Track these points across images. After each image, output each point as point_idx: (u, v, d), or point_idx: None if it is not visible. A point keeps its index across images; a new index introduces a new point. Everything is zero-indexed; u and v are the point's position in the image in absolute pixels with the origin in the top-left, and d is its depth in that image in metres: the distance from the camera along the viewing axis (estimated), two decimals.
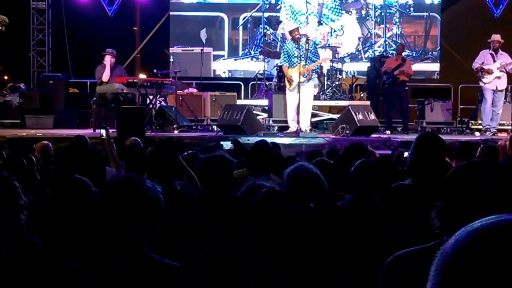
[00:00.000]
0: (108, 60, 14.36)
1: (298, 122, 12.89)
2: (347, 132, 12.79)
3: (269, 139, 10.35)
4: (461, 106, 17.16)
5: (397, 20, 18.50)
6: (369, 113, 13.19)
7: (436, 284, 0.96)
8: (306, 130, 13.04)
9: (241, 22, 18.65)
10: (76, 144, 7.32)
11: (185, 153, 7.16)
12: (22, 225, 3.19)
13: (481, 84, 14.18)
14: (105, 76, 14.25)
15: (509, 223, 0.95)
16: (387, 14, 18.37)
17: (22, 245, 3.19)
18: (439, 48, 18.72)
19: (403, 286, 2.40)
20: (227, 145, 9.74)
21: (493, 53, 14.00)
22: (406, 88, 14.95)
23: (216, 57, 18.46)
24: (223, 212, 3.40)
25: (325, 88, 15.07)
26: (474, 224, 0.98)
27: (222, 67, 18.71)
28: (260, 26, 17.72)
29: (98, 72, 14.51)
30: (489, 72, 13.89)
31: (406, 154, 6.87)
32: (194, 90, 16.37)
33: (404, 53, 15.39)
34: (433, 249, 2.41)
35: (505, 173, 3.42)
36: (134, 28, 19.12)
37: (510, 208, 2.28)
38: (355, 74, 17.22)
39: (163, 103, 14.93)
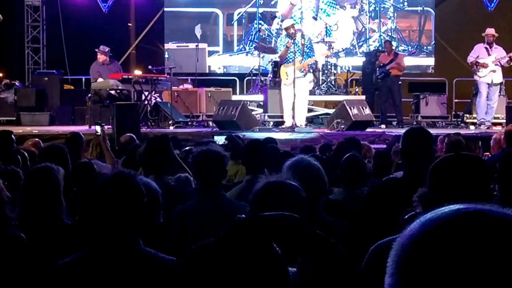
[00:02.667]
0: (101, 58, 14.41)
1: (293, 117, 12.90)
2: (342, 126, 12.81)
3: (265, 134, 10.40)
4: (456, 100, 17.19)
5: (391, 14, 18.53)
6: (364, 108, 13.22)
7: (393, 274, 1.00)
8: (301, 125, 13.05)
9: (235, 17, 18.65)
10: (71, 141, 7.31)
11: (184, 149, 7.21)
12: (7, 219, 3.18)
13: (476, 78, 14.20)
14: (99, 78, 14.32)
15: (460, 214, 0.98)
16: (381, 9, 18.40)
17: (5, 239, 3.19)
18: (433, 42, 18.75)
19: (384, 274, 2.44)
20: (220, 139, 9.76)
21: (488, 47, 14.01)
22: (400, 82, 14.97)
23: (211, 53, 18.46)
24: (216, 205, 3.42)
25: (320, 83, 15.08)
26: (427, 215, 1.01)
27: (217, 63, 18.72)
28: (255, 21, 17.73)
29: (92, 69, 14.54)
30: (484, 66, 13.91)
31: None
32: (189, 86, 16.37)
33: (400, 48, 15.38)
34: None
35: (502, 165, 3.47)
36: (129, 24, 19.10)
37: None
38: (350, 69, 17.24)
39: (158, 99, 14.93)
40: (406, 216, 2.94)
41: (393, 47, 15.32)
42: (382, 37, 18.25)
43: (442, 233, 0.97)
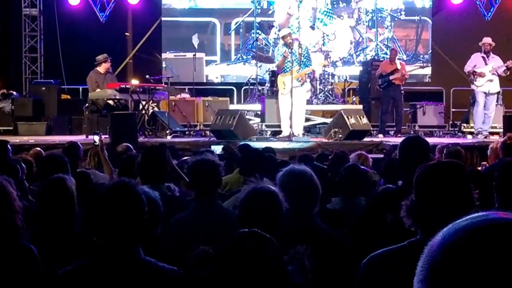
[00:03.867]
0: (107, 66, 14.38)
1: (291, 127, 12.90)
2: (340, 136, 12.79)
3: (262, 144, 10.38)
4: (453, 109, 17.21)
5: (388, 24, 18.56)
6: (361, 117, 13.20)
7: (423, 280, 0.98)
8: (299, 135, 13.05)
9: (233, 27, 18.68)
10: (68, 151, 7.30)
11: (182, 159, 7.20)
12: (18, 229, 3.16)
13: (473, 87, 14.20)
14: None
15: (489, 223, 0.97)
16: (379, 18, 18.44)
17: (16, 250, 3.16)
18: (430, 51, 18.78)
19: (380, 286, 2.43)
20: (217, 149, 9.76)
21: (485, 56, 14.02)
22: (402, 92, 14.96)
23: (209, 62, 18.48)
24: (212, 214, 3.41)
25: (318, 92, 15.09)
26: (461, 222, 1.00)
27: (215, 72, 18.73)
28: (252, 31, 17.76)
29: (90, 78, 14.51)
30: (482, 75, 13.91)
31: None
32: (187, 96, 16.37)
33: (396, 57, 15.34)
34: (408, 249, 2.45)
35: (500, 174, 3.47)
36: (126, 34, 19.10)
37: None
38: (347, 78, 17.26)
39: (155, 108, 14.91)
40: (389, 219, 2.93)
41: (397, 56, 15.25)
42: (379, 46, 18.29)
43: (470, 241, 0.96)
